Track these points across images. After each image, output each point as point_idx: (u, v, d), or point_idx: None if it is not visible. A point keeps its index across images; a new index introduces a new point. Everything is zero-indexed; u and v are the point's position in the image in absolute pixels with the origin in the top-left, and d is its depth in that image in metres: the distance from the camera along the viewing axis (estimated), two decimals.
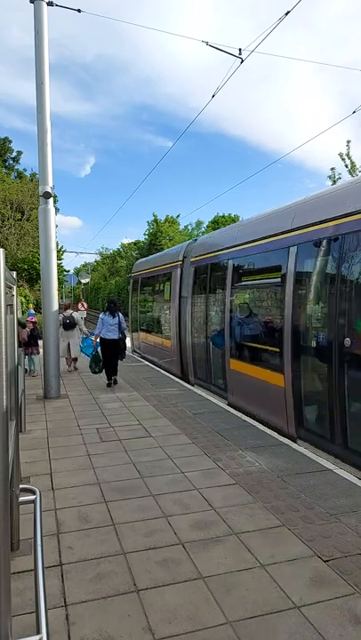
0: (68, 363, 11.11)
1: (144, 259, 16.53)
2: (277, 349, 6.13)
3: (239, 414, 6.81)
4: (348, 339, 4.78)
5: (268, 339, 6.68)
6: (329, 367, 5.09)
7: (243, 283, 7.68)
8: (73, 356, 11.13)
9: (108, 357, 9.12)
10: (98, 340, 9.21)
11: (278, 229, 6.29)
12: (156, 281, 12.92)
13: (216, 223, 40.55)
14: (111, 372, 9.17)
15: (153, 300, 13.38)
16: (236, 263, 7.70)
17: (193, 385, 9.50)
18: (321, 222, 5.35)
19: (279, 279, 6.14)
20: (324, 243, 5.32)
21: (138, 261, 16.95)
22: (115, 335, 9.08)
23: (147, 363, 12.69)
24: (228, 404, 7.58)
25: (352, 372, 4.79)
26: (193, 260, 9.85)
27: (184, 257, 10.57)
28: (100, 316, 9.26)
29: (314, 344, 5.53)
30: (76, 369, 11.16)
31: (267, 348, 6.73)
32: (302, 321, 5.75)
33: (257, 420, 6.44)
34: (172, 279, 10.95)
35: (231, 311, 7.75)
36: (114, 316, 9.07)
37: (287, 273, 5.91)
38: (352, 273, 4.87)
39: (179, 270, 10.66)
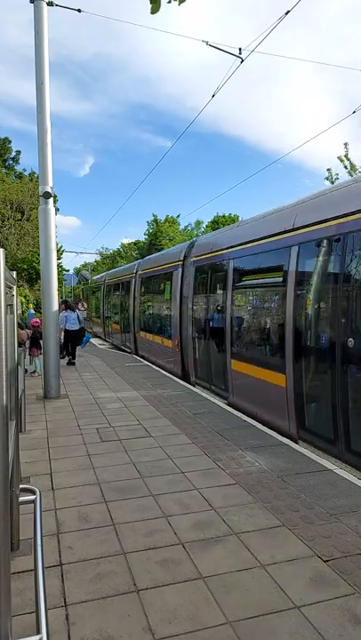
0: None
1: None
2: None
3: (239, 414, 6.81)
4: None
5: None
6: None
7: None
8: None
9: (73, 343, 12.36)
10: (62, 332, 11.63)
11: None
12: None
13: (216, 223, 40.58)
14: (74, 355, 12.30)
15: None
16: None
17: (194, 385, 9.52)
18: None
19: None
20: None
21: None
22: (76, 326, 12.42)
23: (147, 363, 12.69)
24: (228, 404, 7.61)
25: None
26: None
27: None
28: (64, 313, 11.99)
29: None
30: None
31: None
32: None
33: (258, 421, 6.45)
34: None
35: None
36: (73, 311, 12.55)
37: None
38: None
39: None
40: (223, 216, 41.93)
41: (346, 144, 19.88)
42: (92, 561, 3.01)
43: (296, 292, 5.75)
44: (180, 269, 10.64)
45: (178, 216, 44.42)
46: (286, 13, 7.50)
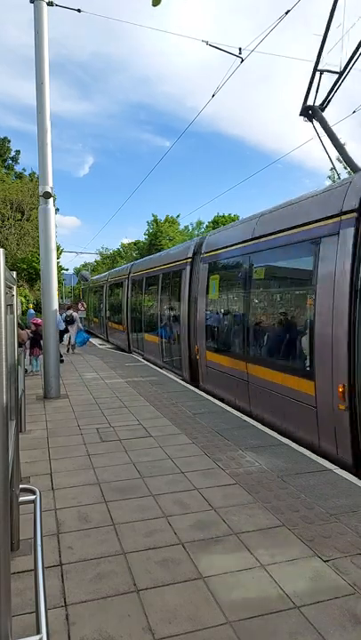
0: (66, 348, 14.96)
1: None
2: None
3: (239, 414, 6.81)
4: None
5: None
6: None
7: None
8: (71, 343, 15.27)
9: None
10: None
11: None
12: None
13: (216, 223, 40.65)
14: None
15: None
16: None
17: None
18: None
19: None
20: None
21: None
22: (61, 327, 13.46)
23: (146, 362, 12.70)
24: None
25: None
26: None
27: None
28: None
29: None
30: (73, 352, 15.01)
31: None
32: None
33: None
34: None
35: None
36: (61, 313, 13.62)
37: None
38: None
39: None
40: (223, 216, 41.97)
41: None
42: (92, 561, 3.01)
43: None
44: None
45: (178, 216, 44.48)
46: (286, 13, 7.50)
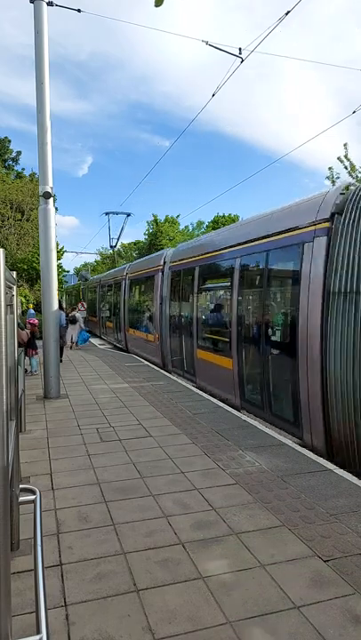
0: (69, 345, 16.15)
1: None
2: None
3: (238, 414, 6.81)
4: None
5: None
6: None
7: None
8: (74, 341, 16.64)
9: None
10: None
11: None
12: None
13: (216, 223, 40.61)
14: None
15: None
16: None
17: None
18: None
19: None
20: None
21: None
22: (63, 323, 13.08)
23: (146, 363, 12.70)
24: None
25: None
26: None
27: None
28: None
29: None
30: (77, 348, 16.51)
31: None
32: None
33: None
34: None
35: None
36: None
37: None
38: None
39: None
40: (223, 216, 41.94)
41: (345, 144, 19.95)
42: (92, 561, 3.01)
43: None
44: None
45: (178, 216, 44.42)
46: (286, 14, 7.50)
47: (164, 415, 6.75)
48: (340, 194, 5.51)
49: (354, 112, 12.08)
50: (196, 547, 3.16)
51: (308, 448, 5.39)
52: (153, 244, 42.23)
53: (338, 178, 20.81)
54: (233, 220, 40.76)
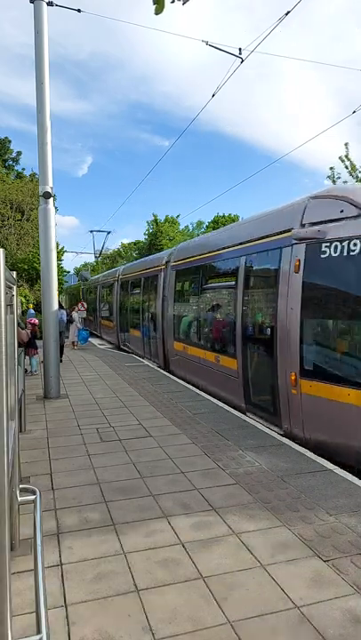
0: (71, 343, 16.81)
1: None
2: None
3: (238, 414, 6.81)
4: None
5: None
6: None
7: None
8: (72, 341, 16.94)
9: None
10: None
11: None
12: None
13: (216, 223, 40.56)
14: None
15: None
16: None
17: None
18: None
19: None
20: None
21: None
22: (64, 321, 13.70)
23: (146, 362, 12.69)
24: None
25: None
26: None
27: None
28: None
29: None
30: (75, 348, 16.68)
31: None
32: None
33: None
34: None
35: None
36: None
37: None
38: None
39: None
40: (223, 216, 41.90)
41: (346, 144, 19.96)
42: (92, 561, 3.01)
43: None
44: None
45: (178, 216, 44.37)
46: (286, 14, 7.50)
47: (164, 415, 6.75)
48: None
49: (354, 112, 12.07)
50: (196, 547, 3.16)
51: (161, 368, 9.68)
52: (153, 244, 42.18)
53: (338, 178, 20.83)
54: (233, 219, 40.74)
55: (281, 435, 5.75)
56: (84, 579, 2.82)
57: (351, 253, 4.96)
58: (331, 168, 20.64)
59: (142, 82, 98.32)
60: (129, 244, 54.58)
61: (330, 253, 5.18)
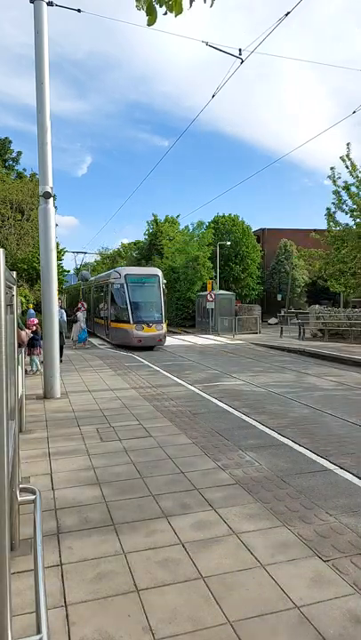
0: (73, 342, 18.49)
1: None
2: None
3: (238, 414, 6.81)
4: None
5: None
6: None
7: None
8: (73, 339, 18.67)
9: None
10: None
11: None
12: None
13: (216, 223, 40.51)
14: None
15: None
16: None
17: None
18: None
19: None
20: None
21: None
22: (64, 319, 16.46)
23: (147, 363, 12.70)
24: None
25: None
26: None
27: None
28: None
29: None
30: (74, 348, 17.89)
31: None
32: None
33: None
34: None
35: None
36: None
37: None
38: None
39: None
40: (223, 216, 41.82)
41: (348, 144, 20.01)
42: (92, 561, 3.01)
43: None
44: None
45: (178, 216, 44.33)
46: (287, 14, 7.50)
47: (164, 415, 6.75)
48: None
49: (354, 112, 12.08)
50: (196, 547, 3.16)
51: (108, 343, 19.27)
52: (153, 243, 42.18)
53: (339, 178, 20.85)
54: (233, 219, 40.71)
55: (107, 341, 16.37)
56: (83, 579, 2.82)
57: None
58: (331, 168, 20.69)
59: (142, 82, 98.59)
60: (129, 244, 54.59)
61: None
